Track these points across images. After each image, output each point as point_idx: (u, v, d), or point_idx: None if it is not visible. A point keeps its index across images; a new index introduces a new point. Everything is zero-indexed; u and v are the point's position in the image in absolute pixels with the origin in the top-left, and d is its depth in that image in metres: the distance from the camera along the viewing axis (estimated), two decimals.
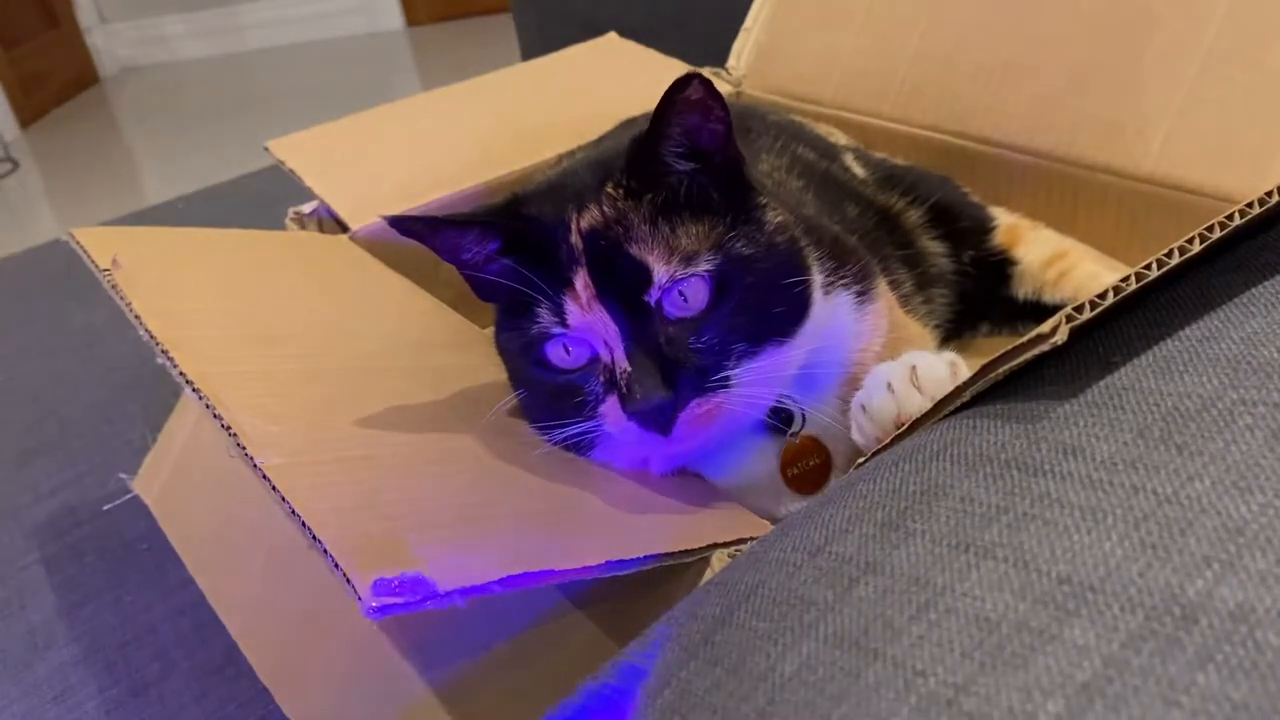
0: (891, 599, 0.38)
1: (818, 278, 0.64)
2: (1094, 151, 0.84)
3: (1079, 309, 0.45)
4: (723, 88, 0.70)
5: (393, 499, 0.54)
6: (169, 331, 0.61)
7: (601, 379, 0.59)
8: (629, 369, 0.58)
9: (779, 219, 0.64)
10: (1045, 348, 0.45)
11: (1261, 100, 0.75)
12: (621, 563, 0.50)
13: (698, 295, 0.58)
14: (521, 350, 0.62)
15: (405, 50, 4.09)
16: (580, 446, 0.62)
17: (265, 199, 1.06)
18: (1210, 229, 0.48)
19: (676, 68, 1.15)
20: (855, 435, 0.62)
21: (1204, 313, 0.48)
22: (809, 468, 0.66)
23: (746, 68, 1.14)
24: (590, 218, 0.60)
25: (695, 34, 1.25)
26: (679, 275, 0.58)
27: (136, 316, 0.62)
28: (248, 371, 0.61)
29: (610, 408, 0.59)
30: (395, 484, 0.56)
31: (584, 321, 0.59)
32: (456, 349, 0.77)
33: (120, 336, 1.09)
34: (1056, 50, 0.89)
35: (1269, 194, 0.50)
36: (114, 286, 0.65)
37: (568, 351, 0.60)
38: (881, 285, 0.71)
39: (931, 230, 0.87)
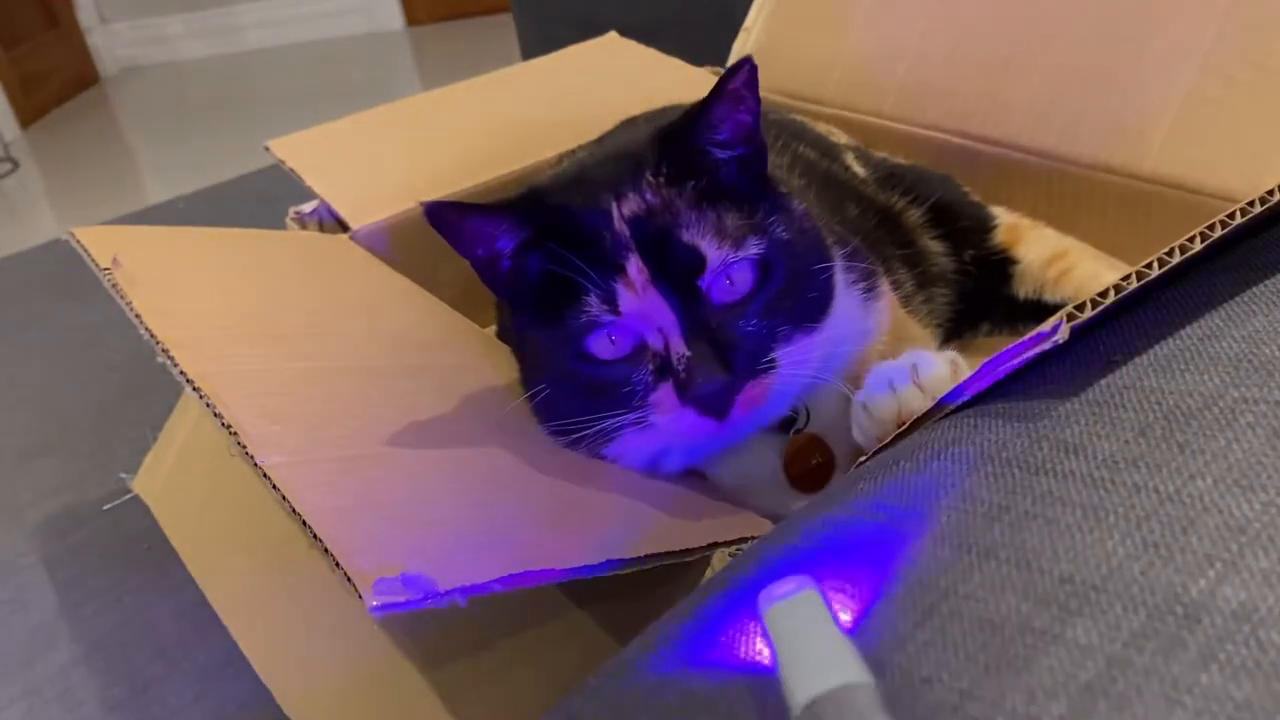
0: (894, 601, 0.38)
1: (838, 267, 0.65)
2: (1095, 150, 0.84)
3: (1080, 308, 0.45)
4: None
5: (393, 498, 0.54)
6: (169, 331, 0.61)
7: (651, 367, 0.59)
8: (687, 354, 0.57)
9: (803, 206, 0.65)
10: (1046, 346, 0.45)
11: (1262, 99, 0.75)
12: (622, 562, 0.50)
13: (744, 279, 0.59)
14: (557, 344, 0.60)
15: (405, 50, 4.09)
16: (597, 443, 0.62)
17: (266, 199, 1.06)
18: (1211, 228, 0.48)
19: (676, 67, 1.15)
20: (856, 434, 0.62)
21: (1205, 311, 0.48)
22: (812, 466, 0.66)
23: None
24: (632, 205, 0.59)
25: (695, 34, 1.25)
26: (730, 259, 0.58)
27: (137, 316, 0.62)
28: (248, 371, 0.61)
29: (663, 396, 0.58)
30: (396, 483, 0.56)
31: (637, 308, 0.58)
32: (456, 349, 0.77)
33: (121, 336, 1.08)
34: (1057, 49, 0.89)
35: (1270, 193, 0.50)
36: (114, 286, 0.65)
37: (612, 341, 0.59)
38: (884, 284, 0.72)
39: (932, 229, 0.87)
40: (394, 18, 4.18)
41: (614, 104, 0.90)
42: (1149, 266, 0.47)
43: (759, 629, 0.38)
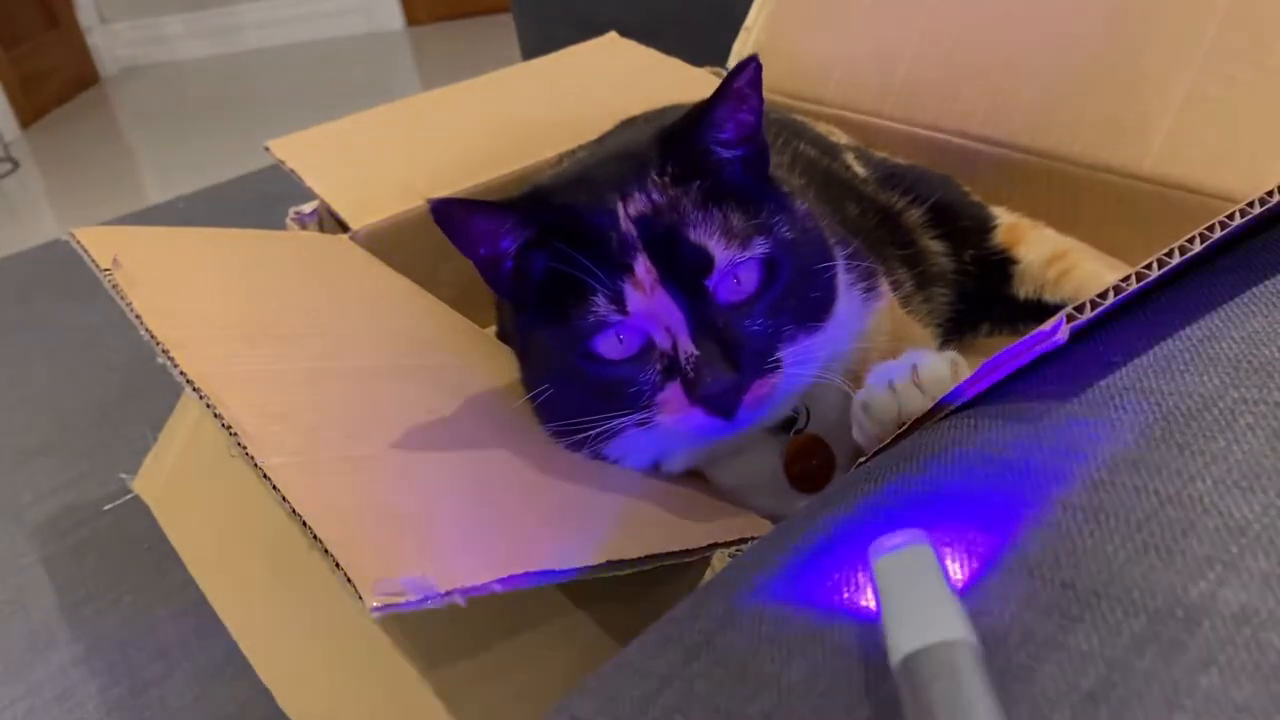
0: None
1: (839, 267, 0.65)
2: (1095, 151, 0.84)
3: (1080, 308, 0.45)
4: None
5: (394, 498, 0.54)
6: (169, 331, 0.61)
7: (658, 367, 0.59)
8: (695, 353, 0.57)
9: (805, 206, 0.65)
10: (1046, 347, 0.45)
11: (1262, 99, 0.75)
12: (622, 562, 0.50)
13: (750, 279, 0.59)
14: (563, 344, 0.60)
15: (405, 50, 4.09)
16: (600, 443, 0.62)
17: (266, 199, 1.06)
18: (1211, 228, 0.48)
19: (677, 67, 1.15)
20: (856, 434, 0.62)
21: (1205, 312, 0.48)
22: (812, 466, 0.66)
23: None
24: (638, 205, 0.59)
25: (695, 33, 1.25)
26: (737, 259, 0.58)
27: (137, 316, 0.62)
28: (249, 371, 0.61)
29: (670, 395, 0.58)
30: (396, 483, 0.56)
31: (645, 308, 0.58)
32: (456, 349, 0.77)
33: (121, 336, 1.08)
34: (1057, 49, 0.89)
35: (1269, 193, 0.50)
36: (114, 286, 0.65)
37: (620, 341, 0.59)
38: (884, 284, 0.72)
39: (932, 229, 0.86)
40: (394, 17, 4.19)
41: (614, 104, 0.90)
42: (1149, 267, 0.47)
43: (867, 576, 0.39)
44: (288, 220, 0.95)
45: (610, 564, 0.50)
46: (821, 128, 0.97)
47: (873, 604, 0.38)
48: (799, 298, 0.60)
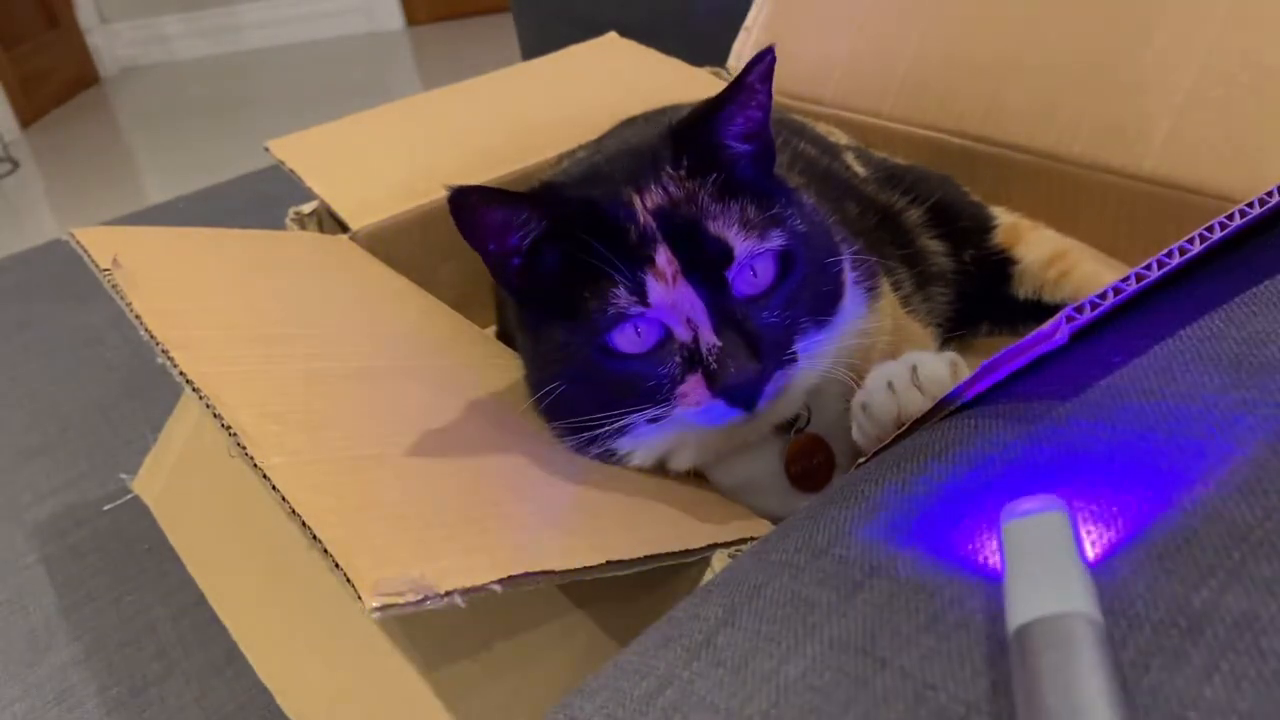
0: (899, 605, 0.38)
1: (846, 263, 0.65)
2: (1094, 151, 0.84)
3: (1079, 309, 0.45)
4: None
5: (393, 498, 0.54)
6: (169, 331, 0.61)
7: (678, 359, 0.59)
8: (718, 344, 0.57)
9: (812, 200, 0.65)
10: (1045, 348, 0.45)
11: (1262, 100, 0.75)
12: (622, 563, 0.50)
13: (766, 271, 0.59)
14: (577, 339, 0.60)
15: (405, 50, 4.09)
16: (609, 441, 0.62)
17: (266, 199, 1.06)
18: (1211, 229, 0.48)
19: (676, 67, 1.15)
20: (855, 435, 0.62)
21: (1206, 313, 0.48)
22: (812, 466, 0.66)
23: None
24: (655, 198, 0.59)
25: (695, 33, 1.25)
26: (755, 250, 0.58)
27: (137, 316, 0.62)
28: (248, 371, 0.61)
29: (691, 387, 0.58)
30: (396, 483, 0.56)
31: (666, 299, 0.58)
32: (456, 349, 0.77)
33: (120, 336, 1.09)
34: (1057, 49, 0.89)
35: (1269, 193, 0.50)
36: (114, 286, 0.65)
37: (638, 334, 0.58)
38: (884, 283, 0.72)
39: (932, 229, 0.86)
40: (394, 17, 4.19)
41: (614, 104, 0.90)
42: (1149, 268, 0.47)
43: (995, 536, 0.38)
44: (288, 220, 0.95)
45: (610, 564, 0.50)
46: (821, 128, 0.97)
47: (999, 565, 0.37)
48: (812, 291, 0.61)
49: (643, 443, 0.62)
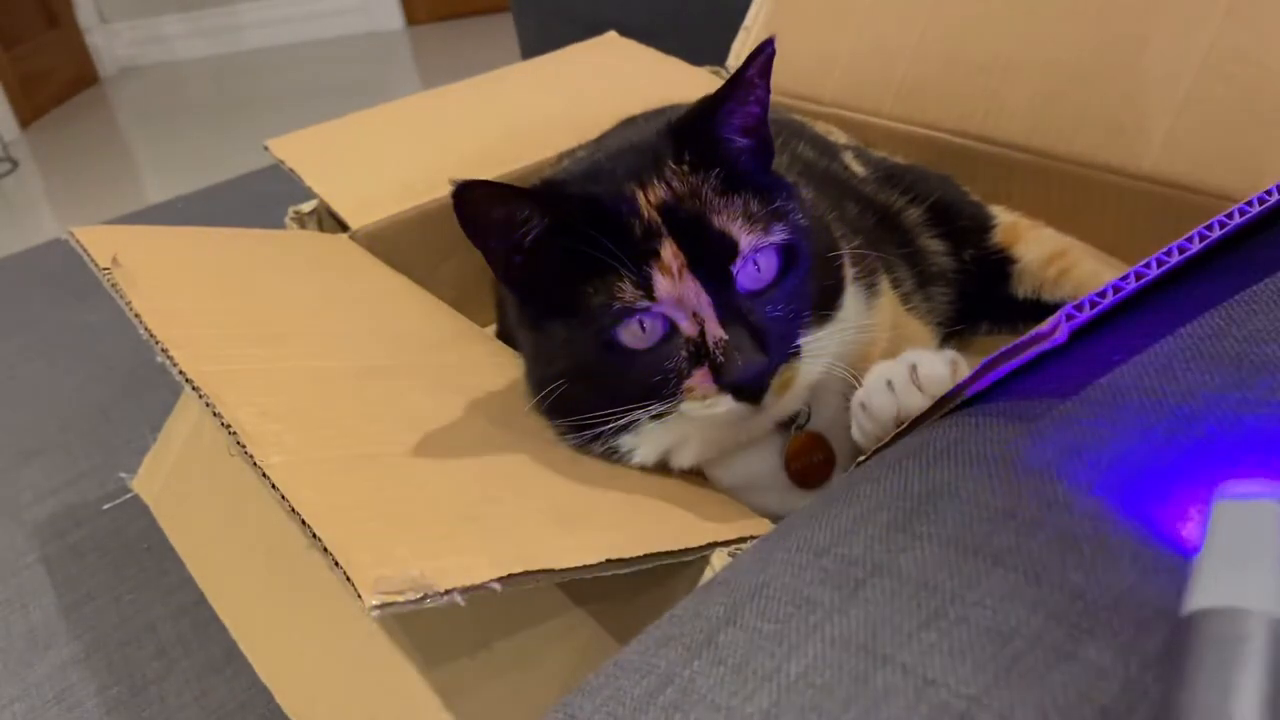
0: (900, 603, 0.38)
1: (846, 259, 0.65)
2: (1094, 150, 0.84)
3: (1078, 307, 0.45)
4: None
5: (393, 497, 0.54)
6: (169, 330, 0.61)
7: (683, 354, 0.59)
8: (724, 338, 0.57)
9: (811, 196, 0.66)
10: (1045, 346, 0.45)
11: (1262, 99, 0.75)
12: (621, 561, 0.50)
13: (769, 266, 0.59)
14: (582, 336, 0.60)
15: (405, 49, 4.09)
16: (612, 438, 0.62)
17: (265, 198, 1.06)
18: (1210, 227, 0.48)
19: (676, 66, 1.15)
20: (855, 433, 0.62)
21: (1206, 311, 0.48)
22: (812, 463, 0.66)
23: None
24: (659, 193, 0.60)
25: (695, 32, 1.25)
26: (759, 244, 0.59)
27: (136, 315, 0.62)
28: (247, 370, 0.61)
29: (698, 381, 0.58)
30: (395, 482, 0.56)
31: (672, 293, 0.58)
32: (456, 348, 0.77)
33: (120, 336, 1.08)
34: (1056, 48, 0.89)
35: (1269, 192, 0.50)
36: (114, 285, 0.65)
37: (643, 329, 0.58)
38: (884, 281, 0.72)
39: (931, 229, 0.86)
40: (393, 17, 4.18)
41: (613, 103, 0.90)
42: (1148, 266, 0.47)
43: (1199, 511, 0.37)
44: (287, 219, 0.95)
45: (609, 562, 0.50)
46: (820, 127, 0.97)
47: (1194, 541, 0.36)
48: (814, 285, 0.61)
49: (646, 439, 0.62)
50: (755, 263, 0.59)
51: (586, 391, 0.61)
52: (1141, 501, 0.39)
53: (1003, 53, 0.92)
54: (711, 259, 0.58)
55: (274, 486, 0.49)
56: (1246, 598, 0.31)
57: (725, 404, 0.58)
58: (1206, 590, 0.32)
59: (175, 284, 0.71)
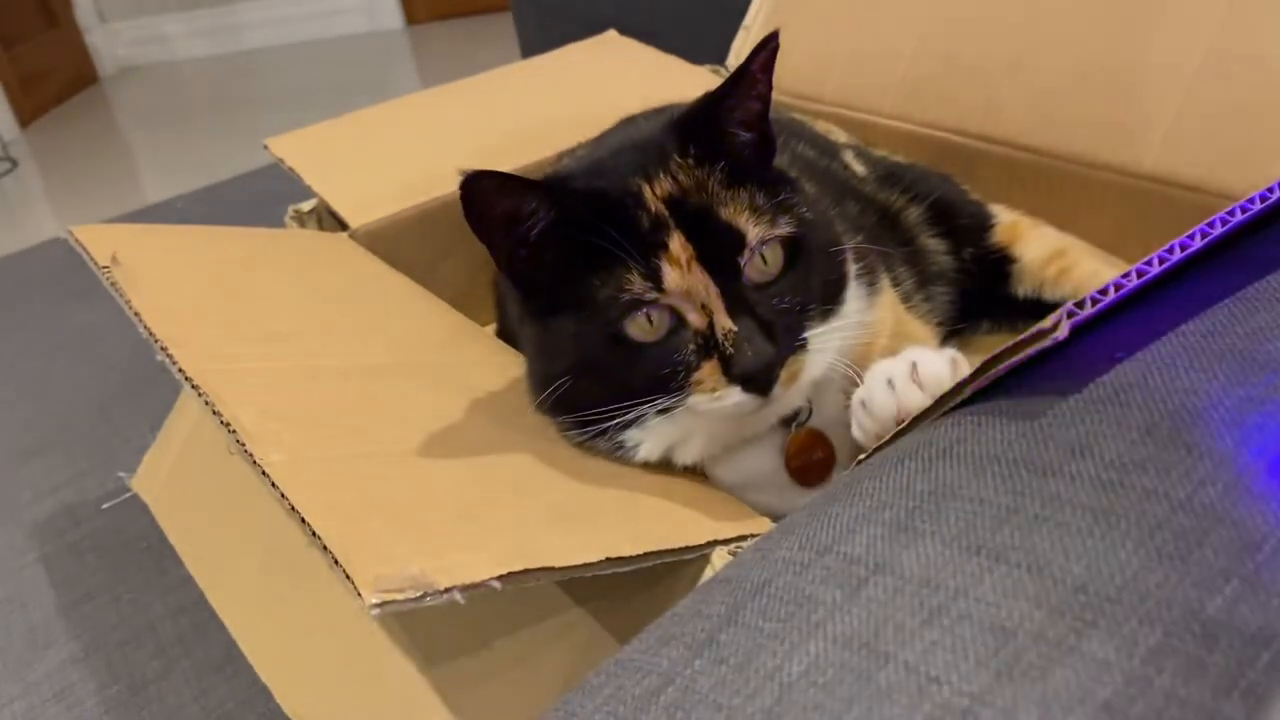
0: (902, 601, 0.38)
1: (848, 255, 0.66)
2: (1094, 149, 0.84)
3: (1080, 304, 0.45)
4: None
5: (392, 495, 0.54)
6: (168, 329, 0.61)
7: (692, 346, 0.59)
8: (734, 329, 0.58)
9: (813, 190, 0.66)
10: (1046, 343, 0.45)
11: (1262, 97, 0.75)
12: (622, 560, 0.50)
13: (775, 258, 0.60)
14: (588, 330, 0.60)
15: (405, 48, 4.09)
16: (617, 434, 0.62)
17: (265, 197, 1.06)
18: (1211, 225, 0.48)
19: (676, 65, 1.15)
20: (855, 431, 0.62)
21: (1207, 309, 0.48)
22: (813, 461, 0.66)
23: None
24: (665, 186, 0.60)
25: (695, 31, 1.25)
26: (766, 237, 0.59)
27: (136, 314, 0.62)
28: (247, 369, 0.61)
29: (706, 374, 0.58)
30: (395, 480, 0.55)
31: (681, 285, 0.58)
32: (456, 346, 0.77)
33: (120, 334, 1.08)
34: (1057, 48, 0.88)
35: (1269, 190, 0.50)
36: (113, 284, 0.65)
37: (650, 322, 0.58)
38: (885, 279, 0.72)
39: (931, 228, 0.86)
40: (393, 16, 4.18)
41: (613, 102, 0.90)
42: (1149, 263, 0.47)
43: None
44: (287, 218, 0.95)
45: (610, 561, 0.50)
46: (820, 126, 0.97)
47: None
48: (819, 278, 0.61)
49: (651, 435, 0.62)
50: (762, 255, 0.59)
51: (592, 387, 0.61)
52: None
53: (1003, 52, 0.92)
54: (719, 251, 0.58)
55: (274, 485, 0.49)
56: None
57: (734, 396, 0.58)
58: None
59: (175, 283, 0.71)
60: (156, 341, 0.60)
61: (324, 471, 0.53)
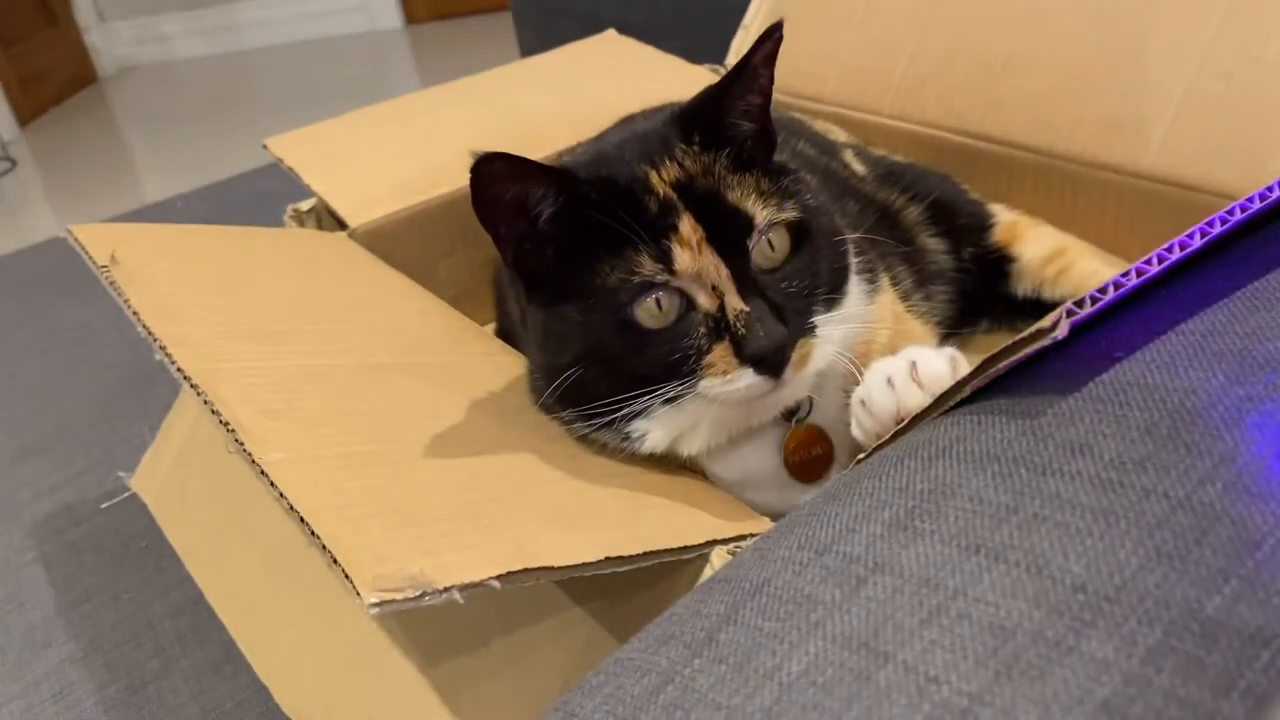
0: (901, 600, 0.38)
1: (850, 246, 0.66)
2: (1094, 148, 0.84)
3: (1080, 303, 0.45)
4: None
5: (391, 495, 0.54)
6: (167, 328, 0.61)
7: (703, 330, 0.59)
8: (745, 309, 0.58)
9: (814, 180, 0.67)
10: (1046, 342, 0.45)
11: (1261, 96, 0.75)
12: (621, 559, 0.50)
13: (782, 243, 0.60)
14: (597, 317, 0.60)
15: (404, 48, 4.09)
16: (624, 424, 0.61)
17: (264, 197, 1.06)
18: (1211, 223, 0.48)
19: (675, 65, 1.15)
20: (855, 430, 0.62)
21: (1207, 308, 0.48)
22: (812, 456, 0.66)
23: None
24: (672, 172, 0.60)
25: (694, 31, 1.25)
26: (773, 220, 0.60)
27: (135, 313, 0.62)
28: (246, 368, 0.61)
29: (719, 356, 0.58)
30: (394, 480, 0.55)
31: (693, 266, 0.58)
32: (455, 346, 0.77)
33: (119, 334, 1.09)
34: (1056, 47, 0.88)
35: (1269, 189, 0.50)
36: (112, 284, 0.65)
37: (660, 307, 0.59)
38: (884, 277, 0.72)
39: (931, 227, 0.86)
40: (393, 16, 4.18)
41: (612, 101, 0.90)
42: (1149, 262, 0.47)
43: None
44: (286, 217, 0.95)
45: (609, 560, 0.50)
46: (820, 125, 0.97)
47: None
48: (824, 265, 0.62)
49: (658, 424, 0.62)
50: (769, 240, 0.60)
51: (601, 376, 0.61)
52: None
53: (1002, 51, 0.92)
54: (728, 234, 0.59)
55: (272, 484, 0.49)
56: None
57: (746, 378, 0.58)
58: None
59: (174, 282, 0.71)
60: (155, 340, 0.60)
61: (323, 471, 0.53)
